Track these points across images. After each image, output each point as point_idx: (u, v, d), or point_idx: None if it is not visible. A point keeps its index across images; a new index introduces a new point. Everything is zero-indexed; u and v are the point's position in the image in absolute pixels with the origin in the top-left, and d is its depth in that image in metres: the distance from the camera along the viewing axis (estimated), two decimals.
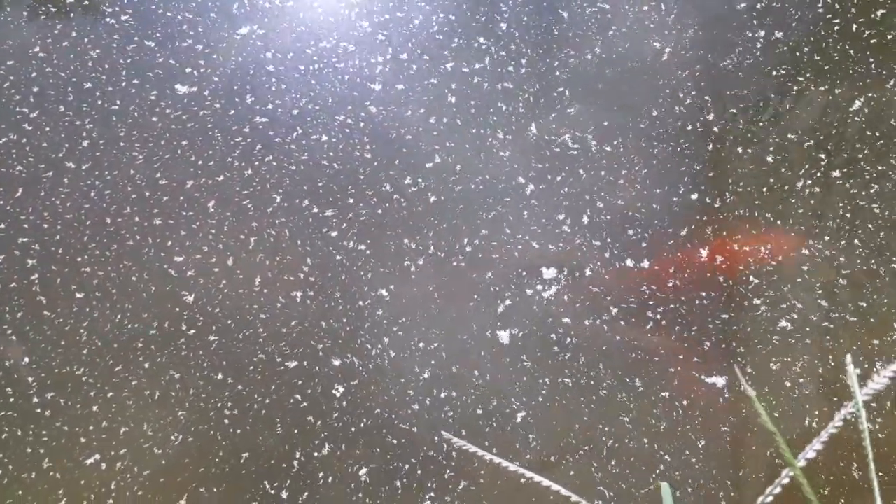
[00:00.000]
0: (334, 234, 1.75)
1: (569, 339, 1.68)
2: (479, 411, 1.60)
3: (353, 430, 1.56)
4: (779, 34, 2.03)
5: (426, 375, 1.62)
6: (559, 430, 1.59)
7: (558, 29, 2.06)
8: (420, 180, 1.83)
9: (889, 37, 2.01)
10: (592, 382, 1.64)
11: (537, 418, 1.60)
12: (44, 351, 1.53)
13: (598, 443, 1.58)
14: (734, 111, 1.94)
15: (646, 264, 1.76)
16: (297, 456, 1.52)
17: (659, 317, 1.69)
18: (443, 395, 1.61)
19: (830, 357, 1.65)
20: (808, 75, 1.98)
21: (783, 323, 1.69)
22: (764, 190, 1.83)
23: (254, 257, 1.71)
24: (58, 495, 1.41)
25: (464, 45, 2.02)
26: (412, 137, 1.88)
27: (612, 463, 1.56)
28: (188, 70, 1.93)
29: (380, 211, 1.79)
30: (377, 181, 1.83)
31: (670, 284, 1.74)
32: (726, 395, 1.61)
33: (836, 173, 1.86)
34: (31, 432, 1.47)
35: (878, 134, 1.88)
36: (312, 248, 1.73)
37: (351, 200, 1.80)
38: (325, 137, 1.87)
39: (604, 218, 1.81)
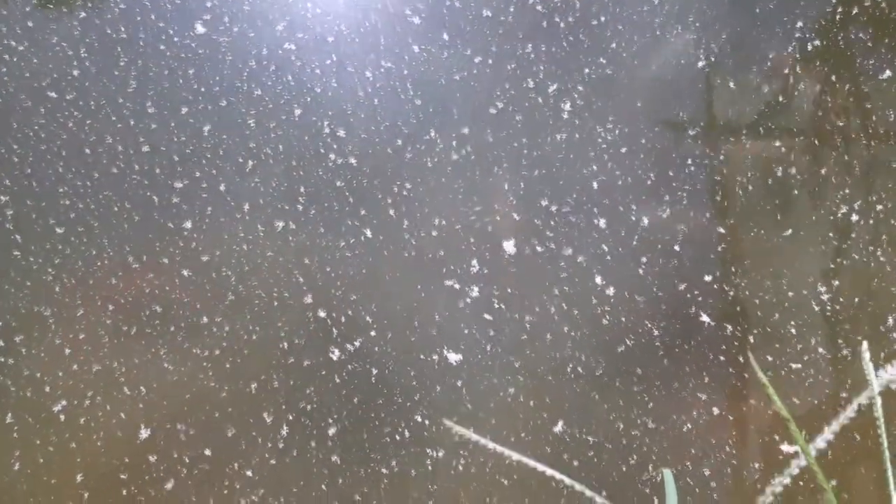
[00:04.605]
0: (332, 155, 1.46)
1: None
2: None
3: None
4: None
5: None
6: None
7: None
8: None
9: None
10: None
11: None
12: (6, 292, 1.33)
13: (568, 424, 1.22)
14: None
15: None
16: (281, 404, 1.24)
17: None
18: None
19: (845, 344, 1.41)
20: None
21: (795, 308, 1.42)
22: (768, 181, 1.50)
23: (249, 181, 1.45)
24: (14, 456, 1.20)
25: None
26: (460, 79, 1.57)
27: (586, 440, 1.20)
28: (209, 4, 1.70)
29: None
30: (423, 123, 1.53)
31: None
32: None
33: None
34: None
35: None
36: (306, 172, 1.45)
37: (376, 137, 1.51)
38: (367, 74, 1.59)
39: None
